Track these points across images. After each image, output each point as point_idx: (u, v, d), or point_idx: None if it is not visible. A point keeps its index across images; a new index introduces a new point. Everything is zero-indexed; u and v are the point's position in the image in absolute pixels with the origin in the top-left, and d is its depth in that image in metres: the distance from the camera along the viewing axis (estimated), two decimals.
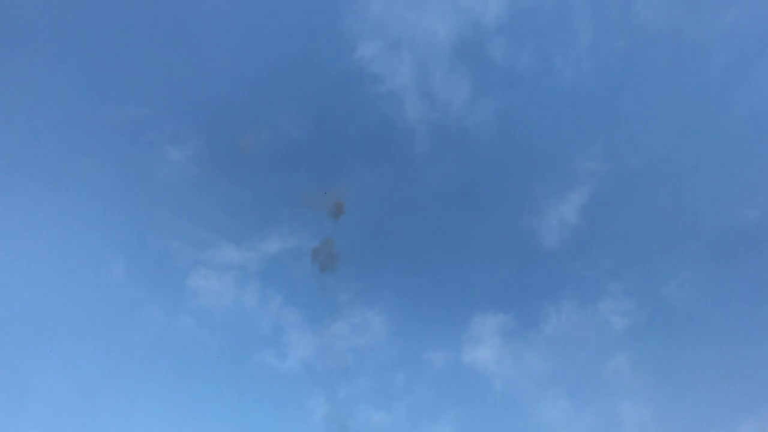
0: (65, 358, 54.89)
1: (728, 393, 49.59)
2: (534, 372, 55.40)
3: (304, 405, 54.46)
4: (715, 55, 52.44)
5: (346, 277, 60.44)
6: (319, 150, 63.66)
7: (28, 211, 57.67)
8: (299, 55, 60.82)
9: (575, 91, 59.50)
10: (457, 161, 62.36)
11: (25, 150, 57.46)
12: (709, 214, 56.09)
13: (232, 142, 62.65)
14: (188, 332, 56.25)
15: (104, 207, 59.99)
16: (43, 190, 57.47)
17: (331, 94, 63.41)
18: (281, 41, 61.85)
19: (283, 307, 56.70)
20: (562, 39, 59.08)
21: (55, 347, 54.97)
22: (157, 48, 60.09)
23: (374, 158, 64.28)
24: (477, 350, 55.45)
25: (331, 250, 56.23)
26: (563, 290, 58.31)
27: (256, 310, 57.52)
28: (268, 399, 56.09)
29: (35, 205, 57.47)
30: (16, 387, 51.74)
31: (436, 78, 60.15)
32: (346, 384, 54.35)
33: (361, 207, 61.84)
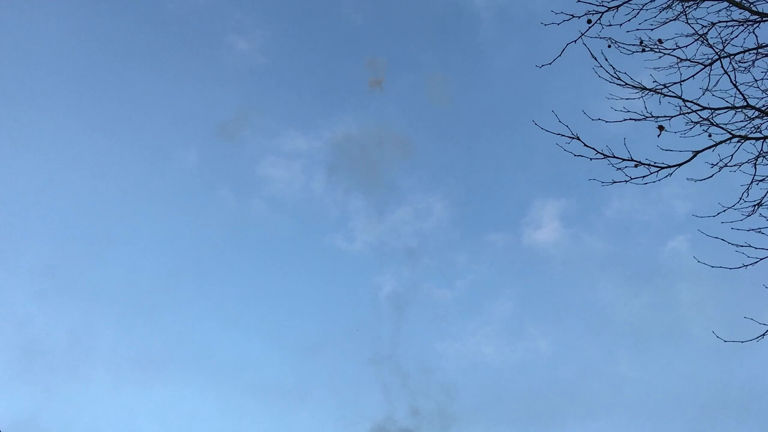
0: (143, 243, 58.07)
1: None
2: (594, 254, 55.94)
3: (371, 283, 57.29)
4: None
5: (410, 164, 61.84)
6: (383, 36, 63.70)
7: (101, 104, 60.08)
8: None
9: None
10: (523, 48, 61.00)
11: (89, 46, 59.50)
12: None
13: (296, 31, 63.51)
14: (260, 217, 58.91)
15: (173, 97, 62.01)
16: (113, 81, 59.78)
17: None
18: None
19: (348, 193, 59.00)
20: None
21: (133, 233, 58.01)
22: None
23: (439, 45, 63.73)
24: (537, 233, 56.41)
25: None
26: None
27: (323, 196, 59.67)
28: (336, 279, 58.97)
29: (106, 98, 59.80)
30: (94, 273, 55.05)
31: None
32: (410, 264, 56.69)
33: (425, 94, 62.30)
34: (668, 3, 7.42)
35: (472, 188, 61.74)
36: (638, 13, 7.15)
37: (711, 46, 7.53)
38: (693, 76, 8.40)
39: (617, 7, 7.09)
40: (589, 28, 6.94)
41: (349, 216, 58.61)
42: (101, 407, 46.61)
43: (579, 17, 7.00)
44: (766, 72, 8.14)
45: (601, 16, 7.04)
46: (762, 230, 7.51)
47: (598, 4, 6.97)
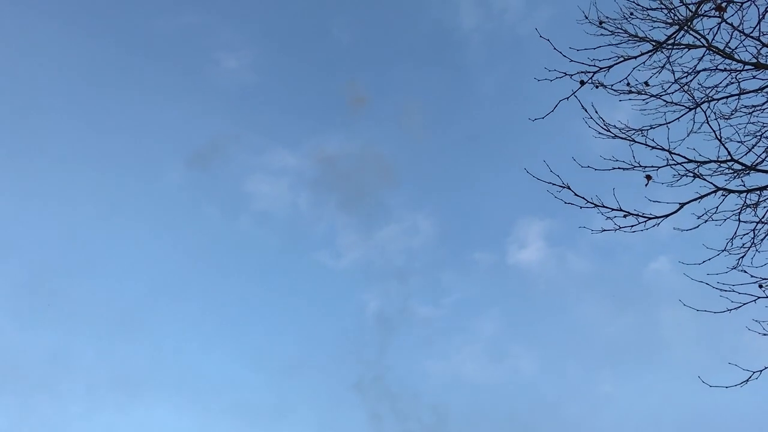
0: (123, 261, 58.43)
1: None
2: (577, 274, 58.09)
3: (357, 300, 58.92)
4: None
5: (397, 182, 63.96)
6: (371, 57, 65.54)
7: (86, 117, 61.00)
8: None
9: None
10: (510, 70, 62.90)
11: (80, 60, 60.32)
12: None
13: (286, 50, 65.26)
14: (245, 233, 60.11)
15: (158, 112, 63.07)
16: (98, 96, 60.47)
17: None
18: None
19: (336, 211, 60.55)
20: None
21: (113, 250, 58.63)
22: None
23: (427, 66, 65.77)
24: (521, 252, 58.71)
25: None
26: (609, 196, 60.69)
27: (310, 214, 61.18)
28: (322, 296, 60.55)
29: (93, 111, 60.63)
30: (74, 292, 55.58)
31: None
32: (397, 282, 58.43)
33: (412, 114, 64.25)
34: (661, 61, 7.70)
35: (458, 207, 63.84)
36: (630, 72, 7.43)
37: (691, 94, 7.85)
38: (678, 118, 8.71)
39: (609, 67, 7.36)
40: (580, 88, 7.20)
41: (336, 233, 60.27)
42: (79, 427, 46.93)
43: (572, 75, 7.26)
44: (749, 117, 8.47)
45: (592, 76, 7.31)
46: (745, 270, 7.86)
47: (590, 63, 7.24)
